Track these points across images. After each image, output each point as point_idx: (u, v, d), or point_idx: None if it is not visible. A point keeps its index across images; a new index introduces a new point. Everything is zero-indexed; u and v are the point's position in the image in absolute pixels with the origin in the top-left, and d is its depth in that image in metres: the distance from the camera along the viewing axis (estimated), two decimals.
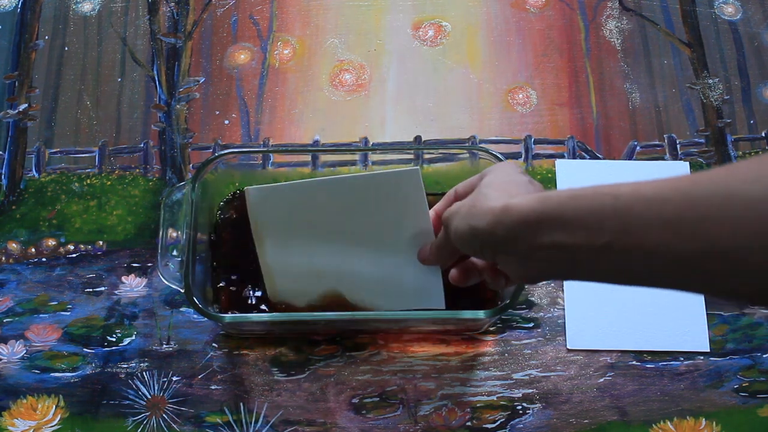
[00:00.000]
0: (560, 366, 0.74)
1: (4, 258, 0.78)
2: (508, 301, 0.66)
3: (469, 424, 0.72)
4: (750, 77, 0.87)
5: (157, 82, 0.87)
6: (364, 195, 0.66)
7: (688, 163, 0.83)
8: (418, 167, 0.64)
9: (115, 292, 0.77)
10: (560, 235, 0.47)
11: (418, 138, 0.84)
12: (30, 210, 0.81)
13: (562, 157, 0.83)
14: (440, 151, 0.80)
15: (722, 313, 0.76)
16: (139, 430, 0.71)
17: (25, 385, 0.73)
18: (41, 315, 0.76)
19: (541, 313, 0.76)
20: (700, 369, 0.74)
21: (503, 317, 0.75)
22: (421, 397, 0.72)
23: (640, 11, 0.90)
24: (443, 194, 0.64)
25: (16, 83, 0.87)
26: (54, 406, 0.72)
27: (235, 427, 0.71)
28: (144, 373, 0.73)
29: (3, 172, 0.83)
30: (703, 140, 0.84)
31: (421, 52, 0.88)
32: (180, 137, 0.84)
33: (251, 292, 0.73)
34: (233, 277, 0.74)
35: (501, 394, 0.73)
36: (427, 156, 0.80)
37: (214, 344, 0.74)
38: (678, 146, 0.84)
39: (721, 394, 0.73)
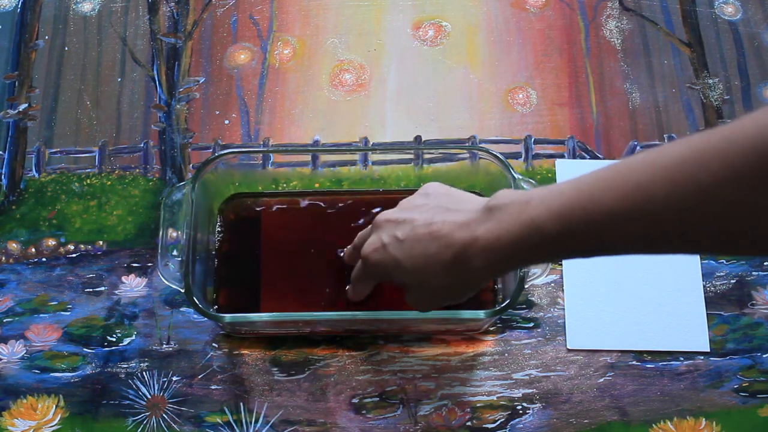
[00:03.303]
0: (560, 366, 0.74)
1: (4, 258, 0.78)
2: (508, 301, 0.66)
3: (469, 424, 0.72)
4: (750, 77, 0.87)
5: (157, 82, 0.87)
6: None
7: None
8: None
9: (115, 292, 0.77)
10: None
11: (418, 138, 0.84)
12: (30, 210, 0.81)
13: (562, 157, 0.83)
14: (440, 151, 0.80)
15: (722, 313, 0.76)
16: (139, 430, 0.71)
17: (25, 385, 0.73)
18: (41, 315, 0.76)
19: (541, 313, 0.76)
20: (700, 369, 0.74)
21: (503, 317, 0.75)
22: (421, 397, 0.72)
23: (640, 11, 0.90)
24: None
25: (16, 83, 0.87)
26: (54, 406, 0.72)
27: (235, 427, 0.71)
28: (144, 373, 0.73)
29: (3, 172, 0.83)
30: None
31: (421, 52, 0.88)
32: (180, 137, 0.84)
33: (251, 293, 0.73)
34: (233, 278, 0.74)
35: (501, 394, 0.73)
36: (427, 156, 0.80)
37: (214, 344, 0.74)
38: None
39: (721, 394, 0.73)
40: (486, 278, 0.58)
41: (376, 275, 0.64)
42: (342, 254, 0.73)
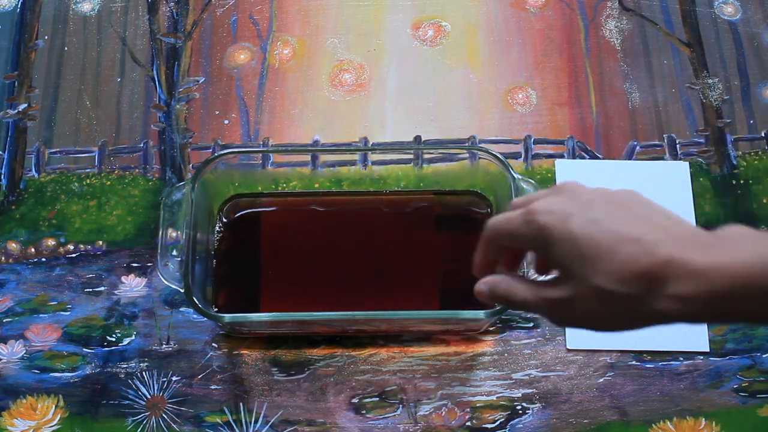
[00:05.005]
0: (560, 366, 0.74)
1: (3, 258, 0.78)
2: None
3: (468, 424, 0.72)
4: (750, 77, 0.87)
5: (156, 82, 0.87)
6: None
7: (687, 163, 0.83)
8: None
9: (115, 292, 0.77)
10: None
11: (417, 138, 0.84)
12: (30, 210, 0.81)
13: (561, 157, 0.83)
14: (440, 151, 0.80)
15: None
16: (139, 430, 0.71)
17: (24, 385, 0.73)
18: (41, 315, 0.76)
19: None
20: (699, 369, 0.74)
21: (503, 317, 0.75)
22: (420, 397, 0.72)
23: (639, 11, 0.90)
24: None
25: (16, 83, 0.87)
26: (54, 406, 0.72)
27: (235, 427, 0.71)
28: (144, 373, 0.73)
29: (3, 172, 0.83)
30: (702, 140, 0.84)
31: (420, 52, 0.88)
32: (180, 137, 0.84)
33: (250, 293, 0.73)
34: (233, 278, 0.74)
35: (501, 394, 0.73)
36: (426, 156, 0.80)
37: (213, 344, 0.74)
38: (678, 146, 0.84)
39: (720, 394, 0.73)
40: (668, 318, 0.47)
41: (531, 239, 0.50)
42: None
